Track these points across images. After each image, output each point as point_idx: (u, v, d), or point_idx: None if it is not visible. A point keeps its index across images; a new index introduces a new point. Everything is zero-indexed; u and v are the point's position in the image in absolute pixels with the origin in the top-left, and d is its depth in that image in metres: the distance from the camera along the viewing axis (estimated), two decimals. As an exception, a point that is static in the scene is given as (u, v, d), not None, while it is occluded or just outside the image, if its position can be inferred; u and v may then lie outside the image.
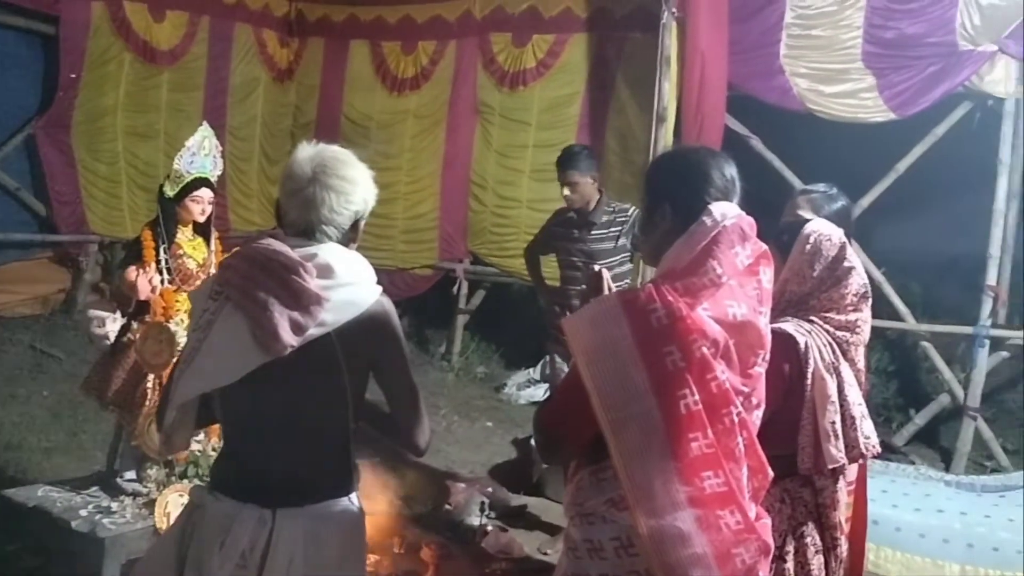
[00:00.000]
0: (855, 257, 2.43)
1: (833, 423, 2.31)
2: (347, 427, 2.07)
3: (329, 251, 2.01)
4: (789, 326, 2.34)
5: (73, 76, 7.02)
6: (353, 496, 2.13)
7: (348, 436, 2.09)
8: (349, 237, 2.08)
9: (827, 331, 2.38)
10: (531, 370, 7.47)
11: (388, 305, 2.09)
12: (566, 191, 4.47)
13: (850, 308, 2.41)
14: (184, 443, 2.13)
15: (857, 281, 2.41)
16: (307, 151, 2.05)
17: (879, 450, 2.47)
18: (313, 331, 1.93)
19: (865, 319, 2.46)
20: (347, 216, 2.04)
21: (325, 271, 1.96)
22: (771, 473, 1.91)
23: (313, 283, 1.93)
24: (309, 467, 2.04)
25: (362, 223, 2.11)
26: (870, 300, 2.46)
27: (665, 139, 5.93)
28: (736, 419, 1.79)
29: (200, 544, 1.99)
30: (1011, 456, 6.13)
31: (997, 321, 5.95)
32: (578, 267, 4.51)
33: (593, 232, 4.50)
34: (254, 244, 2.02)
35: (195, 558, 1.99)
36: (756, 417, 1.91)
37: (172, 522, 2.29)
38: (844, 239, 2.43)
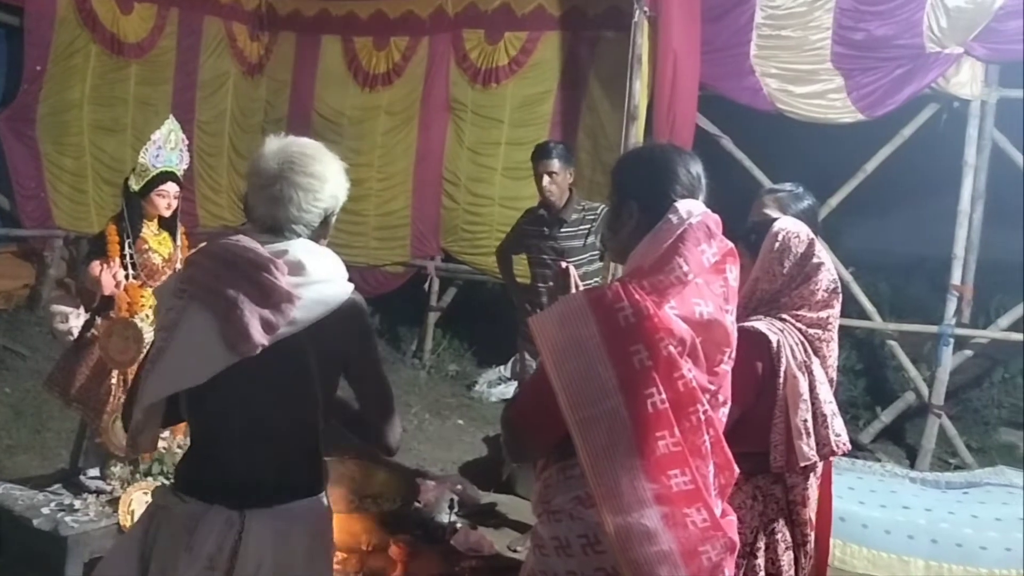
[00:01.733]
0: (824, 253, 2.45)
1: (805, 421, 2.33)
2: (317, 426, 2.04)
3: (300, 248, 1.97)
4: (761, 325, 2.35)
5: (38, 68, 6.91)
6: (322, 496, 2.10)
7: (318, 435, 2.06)
8: (319, 233, 2.04)
9: (799, 329, 2.40)
10: (502, 368, 7.47)
11: (360, 302, 2.06)
12: (545, 181, 4.46)
13: (820, 305, 2.43)
14: (151, 444, 2.08)
15: (827, 277, 2.43)
16: (274, 145, 2.00)
17: (850, 447, 2.49)
18: (283, 330, 1.89)
19: (836, 315, 2.48)
20: (316, 213, 2.00)
21: (296, 268, 1.93)
22: (737, 470, 1.92)
23: (284, 280, 1.89)
24: (278, 467, 2.00)
25: (333, 219, 2.07)
26: (840, 296, 2.48)
27: (636, 138, 5.94)
28: (703, 417, 1.80)
29: (165, 546, 1.95)
30: (975, 453, 6.23)
31: (962, 320, 6.04)
32: (548, 265, 4.51)
33: (563, 229, 4.51)
34: (222, 241, 1.98)
35: (159, 560, 1.95)
36: (722, 415, 1.92)
37: (134, 522, 2.25)
38: (812, 236, 2.45)
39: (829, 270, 2.44)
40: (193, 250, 2.18)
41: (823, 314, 2.44)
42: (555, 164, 4.44)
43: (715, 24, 6.10)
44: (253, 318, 1.85)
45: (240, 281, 1.88)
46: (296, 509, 2.00)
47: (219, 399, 1.95)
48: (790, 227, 2.43)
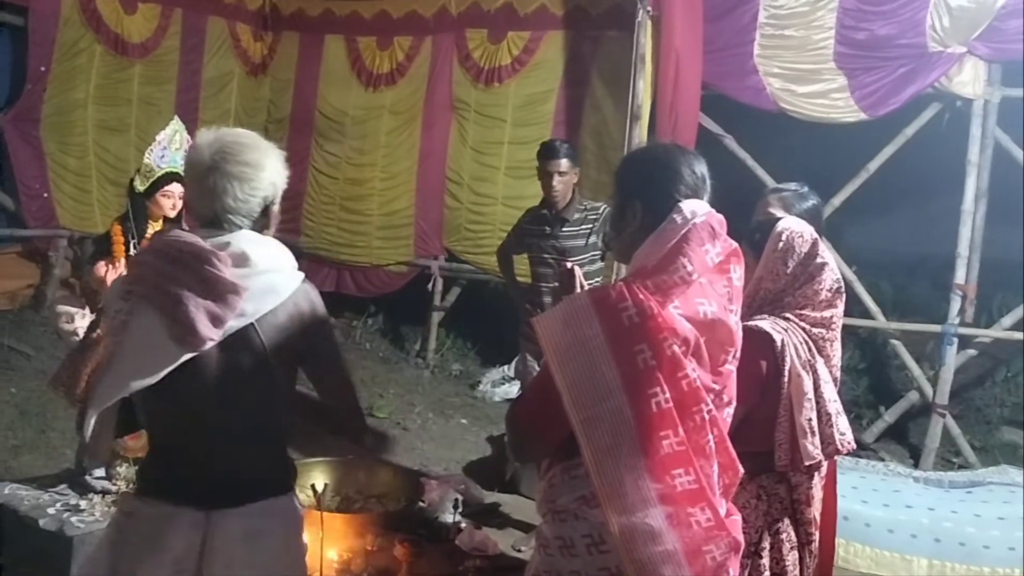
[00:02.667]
0: (828, 253, 2.46)
1: (809, 420, 2.33)
2: (279, 422, 2.01)
3: (242, 239, 1.93)
4: (765, 324, 2.36)
5: (43, 69, 6.92)
6: (292, 494, 2.07)
7: (281, 431, 2.03)
8: (262, 223, 2.00)
9: (802, 328, 2.41)
10: (506, 367, 7.47)
11: (313, 292, 2.02)
12: (555, 180, 4.45)
13: (824, 304, 2.43)
14: (105, 452, 2.07)
15: (830, 277, 2.43)
16: (206, 137, 1.97)
17: (854, 446, 2.50)
18: (233, 323, 1.86)
19: (839, 315, 2.48)
20: (255, 203, 1.96)
21: (240, 259, 1.90)
22: (741, 470, 1.93)
23: (228, 272, 1.86)
24: (242, 465, 1.97)
25: (275, 208, 2.02)
26: (844, 295, 2.48)
27: (640, 137, 5.96)
28: (707, 417, 1.81)
29: (133, 552, 1.93)
30: (978, 453, 6.22)
31: (965, 319, 6.03)
32: (549, 264, 4.52)
33: (565, 229, 4.51)
34: (162, 238, 1.96)
35: (129, 566, 1.93)
36: (727, 415, 1.92)
37: (102, 534, 2.22)
38: (816, 236, 2.45)
39: (832, 270, 2.45)
40: (137, 251, 2.16)
41: (827, 313, 2.44)
42: (564, 164, 4.44)
43: (718, 23, 6.11)
44: (199, 312, 1.82)
45: (183, 276, 1.85)
46: (265, 507, 1.98)
47: (176, 399, 1.91)
48: (794, 227, 2.44)
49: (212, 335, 1.83)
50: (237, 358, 1.91)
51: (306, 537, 2.18)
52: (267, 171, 1.97)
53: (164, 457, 2.02)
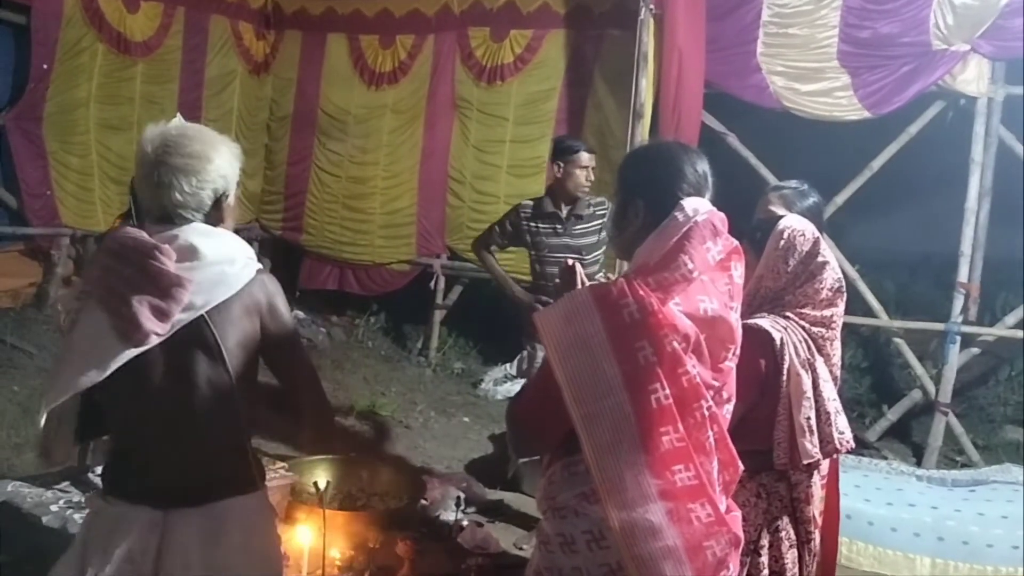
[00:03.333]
0: (829, 252, 2.46)
1: (808, 419, 2.33)
2: (238, 417, 1.97)
3: (191, 232, 1.90)
4: (765, 322, 2.35)
5: (45, 67, 6.92)
6: (258, 492, 2.03)
7: (242, 428, 1.99)
8: (215, 217, 1.96)
9: (802, 327, 2.41)
10: (508, 366, 7.46)
11: (270, 282, 1.99)
12: (582, 176, 4.44)
13: (825, 303, 2.43)
14: (64, 456, 2.04)
15: (831, 276, 2.43)
16: (152, 131, 1.94)
17: (853, 445, 2.50)
18: (181, 316, 1.84)
19: (840, 314, 2.48)
20: (205, 196, 1.92)
21: (187, 252, 1.87)
22: (741, 467, 1.93)
23: (171, 265, 1.83)
24: (202, 464, 1.94)
25: (227, 200, 1.99)
26: (844, 294, 2.48)
27: (642, 136, 5.95)
28: (707, 413, 1.81)
29: (95, 551, 1.92)
30: (981, 451, 6.21)
31: (968, 318, 6.02)
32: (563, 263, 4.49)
33: (578, 226, 4.47)
34: (112, 234, 1.94)
35: (92, 565, 1.92)
36: (727, 411, 1.93)
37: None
38: (817, 234, 2.45)
39: (834, 268, 2.45)
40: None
41: (827, 312, 2.44)
42: (590, 159, 4.44)
43: (721, 22, 6.10)
44: (142, 306, 1.80)
45: (127, 271, 1.83)
46: (226, 507, 1.94)
47: (130, 397, 1.90)
48: (795, 225, 2.43)
49: (157, 329, 1.81)
50: (188, 352, 1.88)
51: (277, 536, 2.14)
52: (215, 163, 1.93)
53: (122, 456, 2.00)
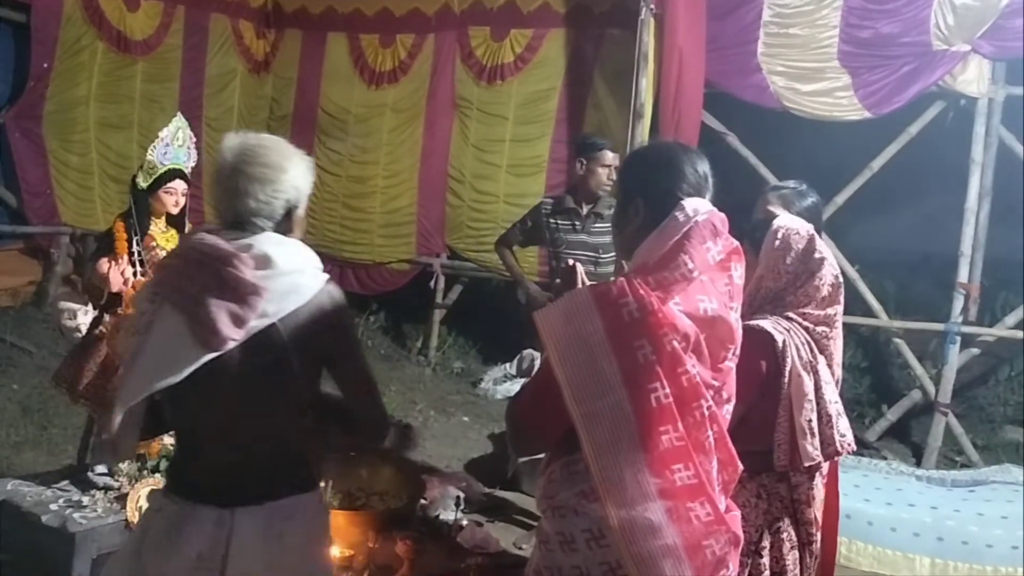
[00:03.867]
0: (826, 248, 2.45)
1: (810, 421, 2.33)
2: (303, 420, 2.02)
3: (265, 241, 1.95)
4: (767, 323, 2.35)
5: (45, 66, 6.93)
6: (317, 491, 2.09)
7: (305, 430, 2.05)
8: (285, 226, 2.02)
9: (805, 328, 2.40)
10: (508, 365, 7.47)
11: (336, 293, 2.04)
12: (604, 175, 4.44)
13: (826, 302, 2.43)
14: (130, 452, 2.09)
15: (830, 272, 2.43)
16: (232, 140, 1.99)
17: (854, 448, 2.50)
18: (255, 323, 1.88)
19: (840, 311, 2.48)
20: (278, 205, 1.98)
21: (262, 261, 1.92)
22: (740, 466, 1.92)
23: (249, 273, 1.88)
24: (266, 464, 1.99)
25: (298, 211, 2.05)
26: (842, 289, 2.48)
27: (642, 135, 5.95)
28: (706, 412, 1.81)
29: (157, 549, 1.96)
30: (981, 451, 6.22)
31: (968, 318, 6.02)
32: (580, 260, 4.48)
33: (597, 225, 4.45)
34: (186, 241, 1.99)
35: (154, 563, 1.95)
36: (726, 411, 1.92)
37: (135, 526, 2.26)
38: (812, 232, 2.45)
39: (831, 264, 2.44)
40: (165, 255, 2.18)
41: (829, 311, 2.44)
42: (614, 157, 4.43)
43: (722, 22, 6.10)
44: (220, 312, 1.84)
45: (205, 277, 1.87)
46: (288, 506, 1.99)
47: (200, 399, 1.94)
48: (790, 224, 2.44)
49: (234, 335, 1.86)
50: (259, 358, 1.93)
51: (330, 535, 2.20)
52: (289, 174, 2.00)
53: (189, 455, 2.05)
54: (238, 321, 1.86)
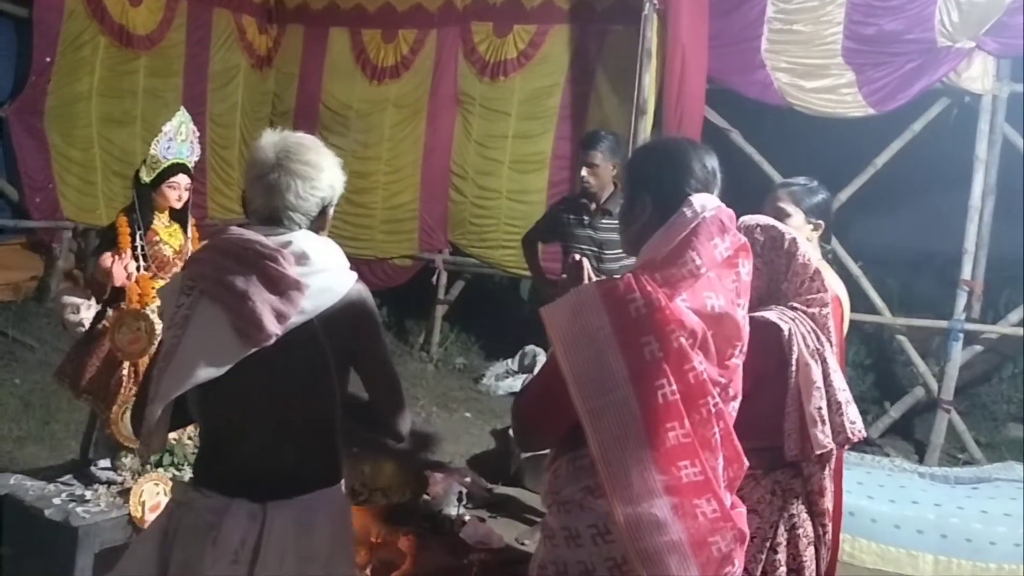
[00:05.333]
0: (783, 226, 2.42)
1: (819, 408, 2.33)
2: (335, 415, 2.05)
3: (302, 238, 1.98)
4: (772, 314, 2.35)
5: (47, 60, 6.90)
6: (340, 485, 2.11)
7: (335, 425, 2.07)
8: (318, 224, 2.05)
9: (810, 315, 2.39)
10: (510, 361, 7.48)
11: (365, 291, 2.07)
12: (584, 172, 4.40)
13: (816, 286, 2.40)
14: (161, 444, 2.09)
15: (802, 249, 2.39)
16: (271, 137, 2.02)
17: (865, 435, 2.49)
18: (294, 319, 1.91)
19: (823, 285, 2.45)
20: (313, 203, 2.01)
21: (301, 258, 1.94)
22: (747, 463, 1.92)
23: (292, 270, 1.90)
24: (298, 458, 2.01)
25: (331, 210, 2.08)
26: (838, 281, 2.45)
27: (645, 132, 5.95)
28: (713, 410, 1.80)
29: (187, 542, 1.96)
30: (984, 449, 6.22)
31: (971, 315, 6.02)
32: (586, 255, 4.47)
33: (604, 221, 4.44)
34: (224, 235, 1.99)
35: (181, 558, 1.95)
36: (733, 408, 1.92)
37: (151, 522, 2.25)
38: (770, 221, 2.42)
39: (796, 241, 2.40)
40: (196, 248, 2.18)
41: (823, 296, 2.41)
42: (597, 156, 4.37)
43: (726, 18, 6.09)
44: (264, 308, 1.86)
45: (248, 272, 1.89)
46: (317, 500, 2.01)
47: (233, 393, 1.94)
48: (748, 221, 2.42)
49: (276, 330, 1.88)
50: (296, 353, 1.95)
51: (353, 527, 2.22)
52: (327, 173, 2.02)
53: (221, 449, 2.05)
54: (281, 317, 1.88)
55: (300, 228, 2.01)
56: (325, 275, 1.97)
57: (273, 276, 1.88)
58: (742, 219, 2.42)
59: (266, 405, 1.98)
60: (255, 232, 1.96)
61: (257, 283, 1.88)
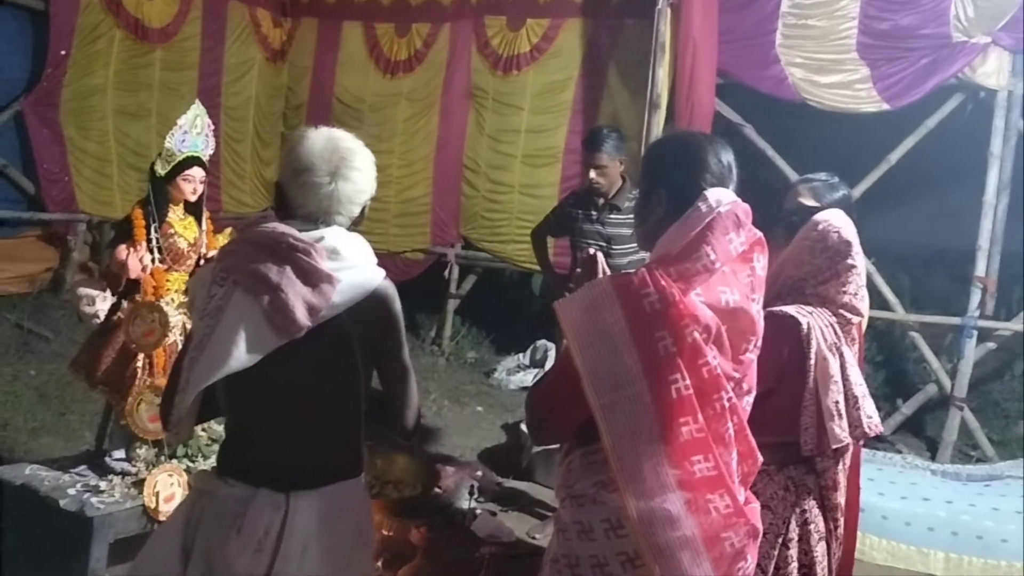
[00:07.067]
0: (861, 257, 2.43)
1: (837, 402, 2.33)
2: (360, 408, 2.08)
3: (335, 234, 2.02)
4: (791, 308, 2.35)
5: (63, 53, 6.94)
6: (361, 477, 2.14)
7: (360, 417, 2.10)
8: (356, 222, 2.11)
9: (828, 311, 2.39)
10: (521, 355, 7.49)
11: (392, 288, 2.10)
12: (593, 174, 4.36)
13: (847, 307, 2.42)
14: (189, 434, 2.12)
15: (856, 281, 2.41)
16: (319, 141, 2.03)
17: (881, 429, 2.49)
18: (324, 312, 1.94)
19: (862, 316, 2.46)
20: (359, 204, 2.08)
21: (332, 254, 1.98)
22: (760, 459, 1.92)
23: (325, 264, 1.94)
24: (323, 450, 2.04)
25: (366, 209, 2.13)
26: (866, 302, 2.46)
27: (658, 126, 5.94)
28: (727, 405, 1.80)
29: (210, 531, 1.97)
30: (996, 446, 6.19)
31: (985, 312, 5.99)
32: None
33: (612, 216, 4.43)
34: (258, 229, 2.02)
35: (204, 546, 1.97)
36: (747, 403, 1.92)
37: (173, 510, 2.27)
38: (852, 238, 2.42)
39: (859, 274, 2.42)
40: (228, 240, 2.20)
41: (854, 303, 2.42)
42: (602, 158, 4.33)
43: (740, 13, 6.08)
44: (297, 300, 1.90)
45: (282, 265, 1.92)
46: (340, 490, 2.04)
47: (262, 383, 1.96)
48: (832, 220, 2.42)
49: (308, 323, 1.91)
50: (325, 346, 1.97)
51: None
52: (367, 173, 2.09)
53: (247, 439, 2.06)
54: (313, 310, 1.91)
55: (340, 226, 2.04)
56: (355, 270, 2.01)
57: (306, 269, 1.92)
58: (827, 214, 2.42)
59: (294, 396, 2.00)
60: (288, 227, 1.99)
61: (291, 275, 1.91)
